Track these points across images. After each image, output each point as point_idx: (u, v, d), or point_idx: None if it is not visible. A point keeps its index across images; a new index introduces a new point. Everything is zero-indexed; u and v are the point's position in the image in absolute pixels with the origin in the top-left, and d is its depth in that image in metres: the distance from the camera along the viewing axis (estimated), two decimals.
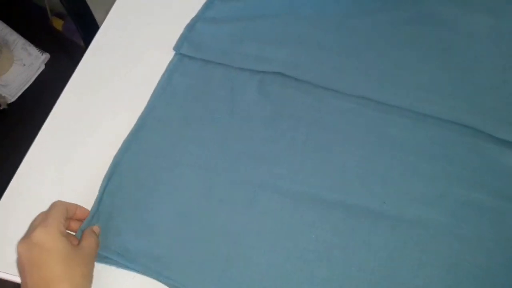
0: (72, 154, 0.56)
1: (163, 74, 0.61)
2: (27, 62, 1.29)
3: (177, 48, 0.62)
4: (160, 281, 0.48)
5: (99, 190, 0.52)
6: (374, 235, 0.48)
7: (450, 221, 0.48)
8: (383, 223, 0.49)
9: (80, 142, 0.57)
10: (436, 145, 0.53)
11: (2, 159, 1.10)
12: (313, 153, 0.54)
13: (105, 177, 0.53)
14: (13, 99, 1.28)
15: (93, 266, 0.45)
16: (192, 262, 0.48)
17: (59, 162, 0.55)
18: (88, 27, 1.19)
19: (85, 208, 0.50)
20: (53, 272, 0.40)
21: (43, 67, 1.29)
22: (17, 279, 0.47)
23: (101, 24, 0.65)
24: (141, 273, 0.48)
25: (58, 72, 1.29)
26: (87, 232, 0.47)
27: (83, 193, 0.53)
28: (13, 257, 0.49)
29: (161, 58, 0.62)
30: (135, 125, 0.57)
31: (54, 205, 0.46)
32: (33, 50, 1.30)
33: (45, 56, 1.30)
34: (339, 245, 0.48)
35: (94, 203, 0.51)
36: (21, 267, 0.41)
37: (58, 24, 1.35)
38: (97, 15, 1.13)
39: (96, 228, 0.49)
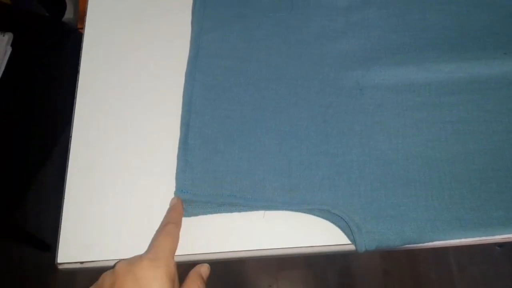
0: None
1: None
2: None
3: None
4: (295, 210, 0.41)
5: (180, 140, 0.43)
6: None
7: None
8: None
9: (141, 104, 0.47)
10: None
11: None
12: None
13: (182, 121, 0.44)
14: None
15: None
16: (321, 177, 0.42)
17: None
18: None
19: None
20: None
21: (10, 49, 1.14)
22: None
23: None
24: (269, 209, 0.41)
25: (30, 49, 1.14)
26: (193, 277, 0.37)
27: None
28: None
29: None
30: (190, 53, 0.47)
31: (167, 231, 0.37)
32: None
33: (8, 36, 1.14)
34: None
35: (179, 155, 0.43)
36: None
37: None
38: None
39: (205, 269, 0.38)
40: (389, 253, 1.16)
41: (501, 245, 1.19)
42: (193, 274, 0.37)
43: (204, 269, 0.38)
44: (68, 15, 1.27)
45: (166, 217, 0.40)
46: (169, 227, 0.38)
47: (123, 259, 0.35)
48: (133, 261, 0.34)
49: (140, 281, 0.32)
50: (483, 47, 0.47)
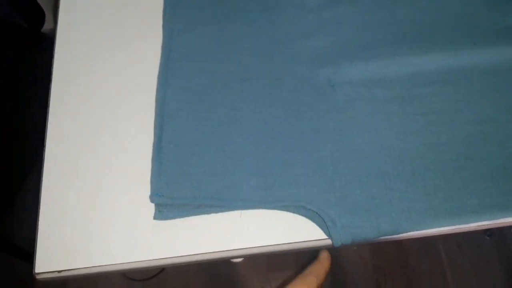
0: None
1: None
2: None
3: None
4: (271, 208, 0.41)
5: (154, 143, 0.44)
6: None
7: None
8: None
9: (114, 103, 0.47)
10: None
11: None
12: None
13: (155, 124, 0.44)
14: None
15: None
16: (296, 174, 0.42)
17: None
18: None
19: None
20: None
21: None
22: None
23: None
24: (246, 208, 0.41)
25: (7, 61, 1.13)
26: None
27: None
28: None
29: None
30: (162, 56, 0.47)
31: (306, 282, 0.37)
32: None
33: None
34: None
35: (154, 158, 0.43)
36: None
37: None
38: None
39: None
40: (379, 248, 1.16)
41: (490, 234, 1.20)
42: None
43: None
44: (48, 25, 1.26)
45: (309, 268, 0.39)
46: (309, 279, 0.37)
47: None
48: None
49: None
50: (452, 39, 0.48)
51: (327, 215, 0.40)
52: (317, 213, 0.40)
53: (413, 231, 0.40)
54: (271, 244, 0.41)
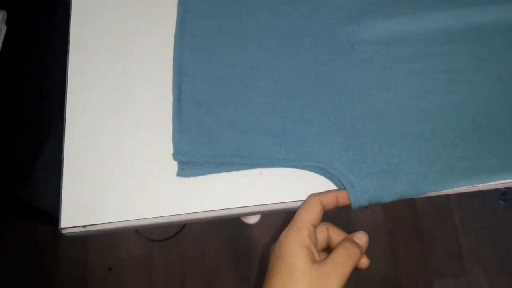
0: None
1: None
2: None
3: None
4: (291, 166, 0.42)
5: (174, 103, 0.44)
6: None
7: None
8: None
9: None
10: None
11: None
12: None
13: (174, 84, 0.44)
14: None
15: None
16: (314, 134, 0.43)
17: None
18: None
19: (346, 192, 0.40)
20: None
21: (5, 27, 1.13)
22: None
23: None
24: (266, 166, 0.42)
25: (27, 26, 1.13)
26: (346, 244, 0.36)
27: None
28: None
29: None
30: (178, 15, 0.47)
31: (306, 203, 0.37)
32: None
33: (2, 14, 1.13)
34: None
35: (174, 117, 0.44)
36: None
37: None
38: None
39: (362, 237, 0.37)
40: (392, 212, 1.17)
41: (505, 199, 1.20)
42: (348, 242, 0.37)
43: (363, 237, 0.37)
44: None
45: None
46: (308, 199, 0.38)
47: None
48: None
49: (278, 252, 0.36)
50: None
51: (347, 178, 0.40)
52: (337, 177, 0.41)
53: (429, 192, 0.40)
54: (290, 200, 0.42)
